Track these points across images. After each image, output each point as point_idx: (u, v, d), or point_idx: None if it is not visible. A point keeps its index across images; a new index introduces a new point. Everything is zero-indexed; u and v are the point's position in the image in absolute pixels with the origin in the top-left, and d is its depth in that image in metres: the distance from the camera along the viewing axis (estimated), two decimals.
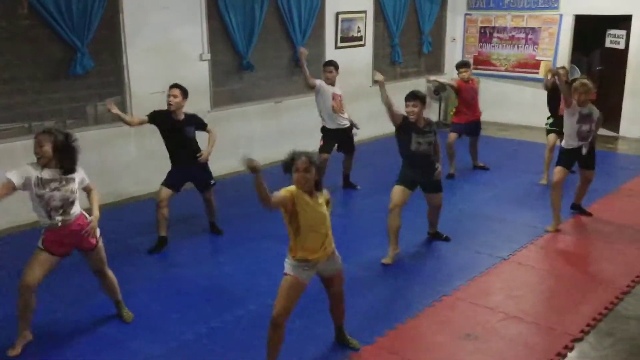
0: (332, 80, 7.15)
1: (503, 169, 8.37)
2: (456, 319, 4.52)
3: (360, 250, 5.61)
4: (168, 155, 5.80)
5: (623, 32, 10.09)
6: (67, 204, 4.01)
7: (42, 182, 3.93)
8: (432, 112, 11.40)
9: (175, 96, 5.62)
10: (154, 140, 7.25)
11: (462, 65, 8.23)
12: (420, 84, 10.95)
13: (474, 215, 6.60)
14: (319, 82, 7.09)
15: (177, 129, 5.66)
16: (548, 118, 7.79)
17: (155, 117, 5.69)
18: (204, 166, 5.84)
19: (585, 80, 6.05)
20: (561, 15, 10.38)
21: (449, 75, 11.60)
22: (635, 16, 9.70)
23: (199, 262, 5.47)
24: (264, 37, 8.37)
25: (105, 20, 6.67)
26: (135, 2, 6.91)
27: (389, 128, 9.66)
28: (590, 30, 10.42)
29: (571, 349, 4.13)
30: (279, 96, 8.73)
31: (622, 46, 10.16)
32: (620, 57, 10.10)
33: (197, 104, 7.72)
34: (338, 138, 7.28)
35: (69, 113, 6.70)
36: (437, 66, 11.67)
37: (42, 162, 3.96)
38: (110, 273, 4.40)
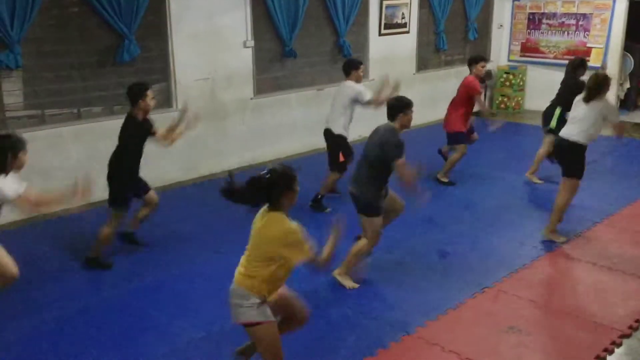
0: None
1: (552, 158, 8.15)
2: (498, 311, 4.44)
3: (401, 238, 5.57)
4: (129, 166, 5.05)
5: None
6: None
7: None
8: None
9: (154, 97, 5.09)
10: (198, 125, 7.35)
11: (483, 59, 7.31)
12: (465, 72, 10.76)
13: (518, 206, 6.46)
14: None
15: (148, 135, 5.13)
16: (556, 107, 6.85)
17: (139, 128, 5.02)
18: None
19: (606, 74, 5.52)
20: (614, 1, 10.00)
21: (495, 63, 11.37)
22: None
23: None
24: (307, 24, 8.34)
25: (151, 7, 6.75)
26: None
27: (432, 116, 9.60)
28: None
29: (619, 344, 4.01)
30: (321, 84, 8.70)
31: None
32: None
33: (241, 91, 7.78)
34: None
35: (115, 99, 6.83)
36: (483, 53, 11.41)
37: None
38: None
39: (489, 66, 11.16)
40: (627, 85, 10.78)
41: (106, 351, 3.95)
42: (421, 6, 9.83)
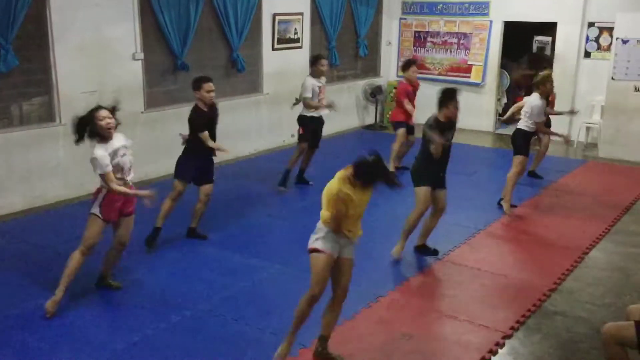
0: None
1: None
2: (392, 319, 4.58)
3: (293, 248, 5.59)
4: None
5: (549, 39, 10.55)
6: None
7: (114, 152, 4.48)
8: (369, 114, 11.55)
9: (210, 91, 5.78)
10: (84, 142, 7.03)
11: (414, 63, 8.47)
12: (357, 87, 11.12)
13: (407, 217, 6.69)
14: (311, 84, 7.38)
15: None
16: None
17: None
18: None
19: None
20: (491, 22, 10.73)
21: (385, 78, 11.81)
22: (560, 23, 10.14)
23: (131, 268, 5.31)
24: (200, 37, 8.24)
25: (30, 16, 6.39)
26: None
27: (339, 126, 9.81)
28: (518, 37, 10.83)
29: (502, 345, 4.26)
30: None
31: (547, 52, 10.60)
32: (546, 62, 10.54)
33: (131, 105, 7.52)
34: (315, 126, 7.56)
35: None
36: (373, 69, 11.83)
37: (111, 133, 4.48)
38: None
39: (379, 81, 11.60)
40: (504, 100, 11.59)
41: None
42: (313, 22, 10.03)
